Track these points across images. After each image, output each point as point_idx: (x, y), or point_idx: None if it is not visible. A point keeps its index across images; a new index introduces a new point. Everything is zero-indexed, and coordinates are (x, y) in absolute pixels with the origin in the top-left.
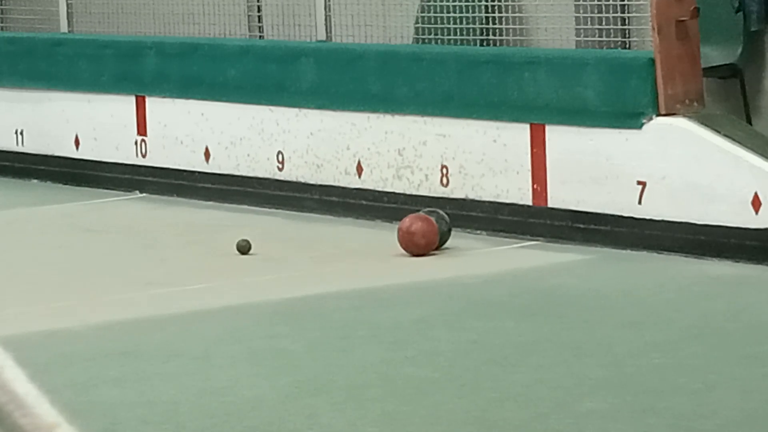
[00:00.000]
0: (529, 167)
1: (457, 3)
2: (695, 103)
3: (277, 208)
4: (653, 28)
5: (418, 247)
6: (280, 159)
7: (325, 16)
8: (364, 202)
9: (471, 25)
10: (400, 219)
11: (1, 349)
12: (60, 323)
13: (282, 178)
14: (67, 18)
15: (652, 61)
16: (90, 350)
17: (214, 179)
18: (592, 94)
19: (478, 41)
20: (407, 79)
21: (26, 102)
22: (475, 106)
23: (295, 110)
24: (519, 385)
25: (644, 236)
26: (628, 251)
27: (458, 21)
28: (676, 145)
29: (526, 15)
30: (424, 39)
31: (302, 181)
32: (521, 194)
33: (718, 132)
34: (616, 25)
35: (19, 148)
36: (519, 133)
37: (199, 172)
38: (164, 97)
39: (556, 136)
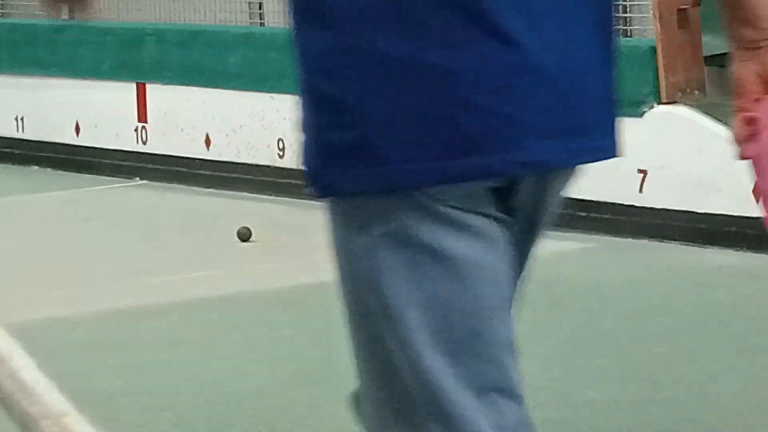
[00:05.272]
0: None
1: None
2: (697, 92)
3: (277, 196)
4: (655, 16)
5: None
6: (281, 146)
7: None
8: None
9: None
10: None
11: (10, 338)
12: (59, 311)
13: (283, 166)
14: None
15: (654, 49)
16: (89, 338)
17: (215, 166)
18: None
19: None
20: None
21: (26, 89)
22: None
23: (296, 98)
24: None
25: (645, 225)
26: (629, 240)
27: None
28: (677, 134)
29: None
30: None
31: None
32: None
33: (720, 121)
34: (617, 12)
35: (20, 135)
36: None
37: (200, 159)
38: (165, 84)
39: None
